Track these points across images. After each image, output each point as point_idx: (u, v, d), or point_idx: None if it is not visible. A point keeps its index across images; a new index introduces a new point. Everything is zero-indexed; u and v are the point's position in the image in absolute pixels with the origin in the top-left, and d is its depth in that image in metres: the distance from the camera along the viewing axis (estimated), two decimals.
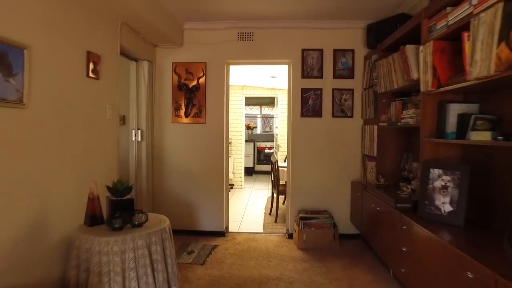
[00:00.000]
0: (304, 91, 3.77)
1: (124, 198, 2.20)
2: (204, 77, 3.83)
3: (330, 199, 3.81)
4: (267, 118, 10.71)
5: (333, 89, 3.75)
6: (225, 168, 3.97)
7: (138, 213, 2.22)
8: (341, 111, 3.76)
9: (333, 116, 3.77)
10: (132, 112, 3.66)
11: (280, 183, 4.68)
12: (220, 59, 3.85)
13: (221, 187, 3.90)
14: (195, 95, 3.84)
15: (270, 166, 9.57)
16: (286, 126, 7.19)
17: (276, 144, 7.20)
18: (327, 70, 3.76)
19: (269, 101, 10.02)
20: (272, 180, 4.96)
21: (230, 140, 6.70)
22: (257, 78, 6.11)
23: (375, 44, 3.27)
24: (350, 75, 3.75)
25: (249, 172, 9.27)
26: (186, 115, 3.86)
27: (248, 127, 9.86)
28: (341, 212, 3.80)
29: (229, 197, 6.26)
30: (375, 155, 3.24)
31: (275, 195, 4.76)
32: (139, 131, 3.65)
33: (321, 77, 3.76)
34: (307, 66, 3.76)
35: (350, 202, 3.78)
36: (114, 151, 2.91)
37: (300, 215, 3.64)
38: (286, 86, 4.34)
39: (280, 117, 7.18)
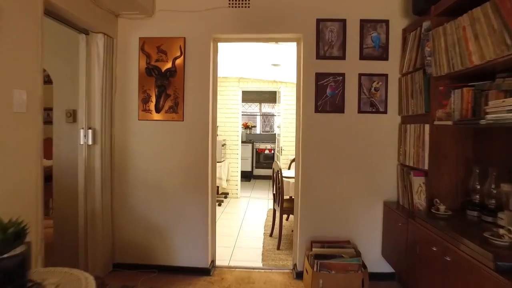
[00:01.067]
0: (320, 76, 2.74)
1: (7, 256, 1.19)
2: (182, 57, 2.80)
3: (353, 224, 2.78)
4: (267, 117, 9.69)
5: (360, 75, 2.73)
6: (211, 180, 2.94)
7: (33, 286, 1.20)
8: (371, 104, 2.73)
9: (359, 111, 2.74)
10: (82, 106, 2.64)
11: (284, 198, 3.65)
12: (205, 34, 2.82)
13: (205, 206, 2.88)
14: (170, 83, 2.81)
15: (270, 170, 8.56)
16: (290, 125, 6.19)
17: (278, 147, 6.18)
18: (351, 48, 2.73)
19: (270, 97, 8.99)
20: (274, 194, 3.94)
21: (223, 142, 5.67)
22: (255, 67, 5.10)
23: (426, 6, 2.25)
24: (383, 56, 2.72)
25: (247, 176, 8.25)
26: (158, 110, 2.83)
27: (246, 127, 8.85)
28: (369, 242, 2.77)
29: (222, 211, 5.27)
30: (426, 167, 2.22)
31: (277, 212, 3.75)
32: (90, 131, 2.62)
33: (343, 57, 2.73)
34: (324, 42, 2.73)
35: (382, 230, 2.75)
36: (29, 164, 1.88)
37: (313, 248, 2.62)
38: (289, 78, 3.36)
39: (284, 115, 6.16)
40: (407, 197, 2.45)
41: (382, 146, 2.74)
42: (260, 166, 8.30)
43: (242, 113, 9.61)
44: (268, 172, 8.21)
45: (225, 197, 6.03)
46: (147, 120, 2.85)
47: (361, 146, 2.75)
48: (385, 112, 2.73)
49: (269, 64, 4.64)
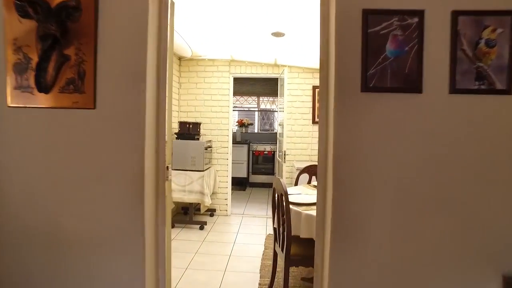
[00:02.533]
0: (372, 18, 1.34)
1: None
2: None
3: None
4: (266, 113, 8.28)
5: (455, 13, 1.33)
6: (150, 228, 1.54)
7: None
8: (478, 75, 1.33)
9: (453, 90, 1.34)
10: None
11: (290, 240, 2.24)
12: None
13: (139, 278, 1.47)
14: (68, 32, 1.41)
15: (269, 176, 7.15)
16: (296, 122, 4.79)
17: (279, 151, 4.76)
18: None
19: (269, 89, 7.59)
20: (274, 229, 2.52)
21: (207, 144, 4.27)
22: (250, 41, 3.69)
23: None
24: None
25: (242, 184, 6.86)
26: (46, 87, 1.42)
27: (241, 124, 7.45)
28: None
29: (204, 238, 3.73)
30: None
31: (280, 259, 2.34)
32: None
33: None
34: None
35: None
36: None
37: None
38: (296, 59, 2.10)
39: (288, 109, 4.73)
40: None
41: (502, 164, 1.34)
42: (258, 171, 6.90)
43: (238, 109, 8.24)
44: (267, 179, 6.82)
45: (211, 215, 4.64)
46: (26, 107, 1.44)
47: (456, 162, 1.35)
48: (508, 91, 1.32)
49: (269, 33, 3.23)
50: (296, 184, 3.27)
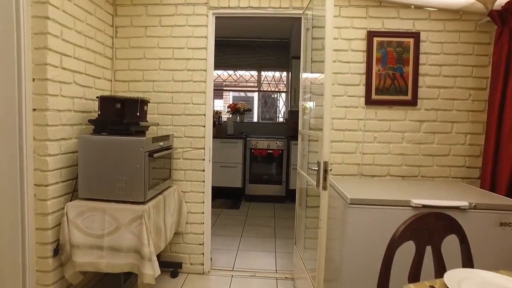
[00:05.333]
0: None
1: None
2: None
3: None
4: (270, 97, 6.06)
5: None
6: None
7: None
8: None
9: None
10: None
11: None
12: None
13: None
14: None
15: (274, 186, 4.85)
16: (351, 89, 2.06)
17: (308, 160, 2.45)
18: None
19: (276, 58, 5.39)
20: None
21: (163, 143, 2.07)
22: None
23: None
24: None
25: (234, 197, 4.71)
26: None
27: (235, 110, 5.25)
28: None
29: None
30: None
31: None
32: None
33: None
34: None
35: None
36: None
37: None
38: None
39: (317, 83, 2.52)
40: None
41: None
42: (258, 178, 4.73)
43: (229, 89, 5.83)
44: (271, 190, 4.65)
45: (173, 275, 2.49)
46: None
47: None
48: None
49: None
50: (388, 267, 1.09)
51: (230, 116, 5.23)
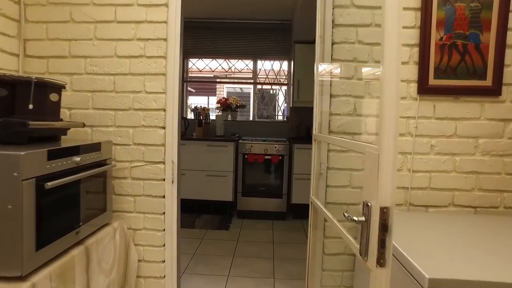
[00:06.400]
0: None
1: None
2: None
3: None
4: (267, 91, 5.16)
5: None
6: None
7: None
8: None
9: None
10: None
11: None
12: None
13: None
14: None
15: (273, 200, 3.63)
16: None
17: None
18: None
19: (277, 44, 4.51)
20: None
21: (79, 158, 1.12)
22: None
23: None
24: None
25: (223, 213, 3.82)
26: None
27: (225, 106, 4.36)
28: None
29: None
30: None
31: None
32: None
33: None
34: None
35: None
36: None
37: None
38: None
39: (347, 64, 1.63)
40: None
41: None
42: (252, 190, 3.83)
43: (219, 81, 4.66)
44: (269, 204, 3.76)
45: None
46: None
47: None
48: None
49: None
50: None
51: (220, 113, 4.34)
